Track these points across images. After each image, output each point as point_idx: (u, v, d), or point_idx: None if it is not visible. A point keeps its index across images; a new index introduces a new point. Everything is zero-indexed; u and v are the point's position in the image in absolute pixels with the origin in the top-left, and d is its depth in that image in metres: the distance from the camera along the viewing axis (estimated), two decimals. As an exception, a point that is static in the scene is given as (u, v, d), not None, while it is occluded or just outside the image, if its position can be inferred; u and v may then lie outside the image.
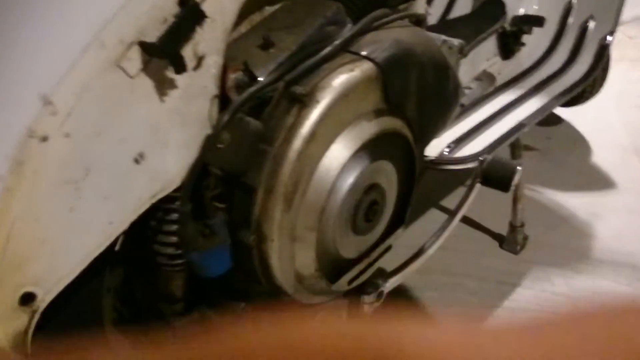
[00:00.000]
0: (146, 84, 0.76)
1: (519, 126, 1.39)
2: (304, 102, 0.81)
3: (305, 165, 0.81)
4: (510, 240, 1.64)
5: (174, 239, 0.88)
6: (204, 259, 0.83)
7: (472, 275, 1.56)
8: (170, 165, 0.81)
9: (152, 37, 0.74)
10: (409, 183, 1.01)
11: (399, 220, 1.02)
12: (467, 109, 1.44)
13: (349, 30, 0.91)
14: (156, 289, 0.95)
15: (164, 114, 0.79)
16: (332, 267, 0.92)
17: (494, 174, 1.12)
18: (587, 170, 2.01)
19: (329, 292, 0.94)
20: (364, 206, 0.91)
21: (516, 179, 1.11)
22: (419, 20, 1.04)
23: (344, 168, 0.85)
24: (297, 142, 0.80)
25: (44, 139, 0.68)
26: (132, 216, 0.80)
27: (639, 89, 2.48)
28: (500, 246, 1.66)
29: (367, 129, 0.87)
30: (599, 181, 1.95)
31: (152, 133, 0.79)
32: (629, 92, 2.43)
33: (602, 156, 2.07)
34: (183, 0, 0.76)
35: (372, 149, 0.89)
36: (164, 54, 0.75)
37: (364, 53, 0.88)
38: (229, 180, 0.82)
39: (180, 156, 0.82)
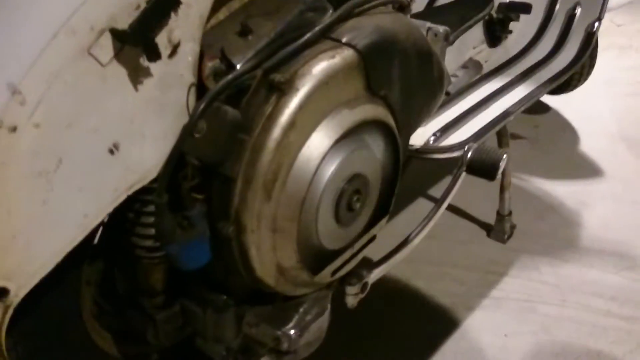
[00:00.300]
0: (119, 72, 0.74)
1: (506, 114, 1.38)
2: (283, 90, 0.78)
3: (284, 155, 0.79)
4: (498, 229, 1.63)
5: (152, 231, 0.86)
6: (183, 251, 0.81)
7: (459, 264, 1.55)
8: (146, 156, 0.79)
9: (124, 23, 0.72)
10: (394, 172, 0.99)
11: (384, 210, 1.01)
12: (453, 97, 1.42)
13: (329, 16, 0.89)
14: (136, 282, 0.93)
15: (139, 104, 0.77)
16: (315, 258, 0.90)
17: (480, 162, 1.11)
18: (575, 159, 2.00)
19: (311, 284, 0.92)
20: (347, 196, 0.89)
21: (502, 167, 1.10)
22: (402, 7, 1.02)
23: (325, 157, 0.83)
24: (276, 131, 0.77)
25: (13, 129, 0.66)
26: (108, 208, 0.78)
27: (627, 76, 2.47)
28: (488, 235, 1.65)
29: (349, 117, 0.85)
30: (586, 169, 1.95)
31: (127, 123, 0.77)
32: (617, 80, 2.43)
33: (590, 144, 2.07)
34: (157, -16, 0.74)
35: (354, 137, 0.87)
36: (136, 41, 0.73)
37: (344, 40, 0.86)
38: (207, 171, 0.80)
39: (156, 146, 0.80)
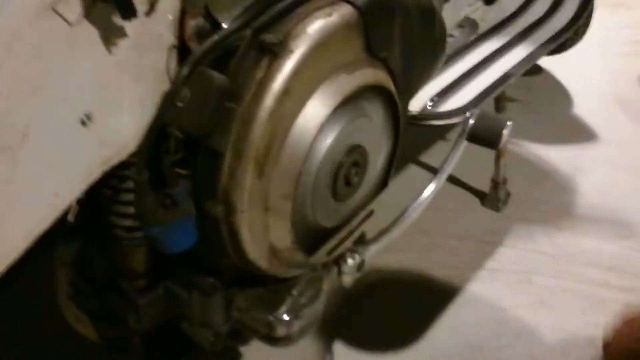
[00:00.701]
0: (89, 32, 0.65)
1: (506, 77, 1.30)
2: (275, 52, 0.70)
3: (278, 126, 0.71)
4: (492, 197, 1.57)
5: (131, 209, 0.79)
6: (166, 233, 0.73)
7: (452, 234, 1.49)
8: (123, 126, 0.71)
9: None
10: (393, 141, 0.92)
11: (382, 182, 0.94)
12: (450, 59, 1.34)
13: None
14: (115, 264, 0.86)
15: (113, 68, 0.69)
16: (310, 237, 0.83)
17: (482, 129, 1.04)
18: (569, 122, 1.94)
19: (306, 265, 0.85)
20: (345, 169, 0.81)
21: (506, 135, 1.03)
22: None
23: (323, 128, 0.75)
24: (269, 99, 0.69)
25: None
26: (81, 186, 0.70)
27: (620, 35, 2.40)
28: (482, 203, 1.59)
29: (347, 82, 0.77)
30: (581, 133, 1.89)
31: (100, 90, 0.69)
32: (609, 39, 2.36)
33: (584, 107, 2.00)
34: None
35: (353, 105, 0.80)
36: (109, -1, 0.64)
37: (343, -4, 0.77)
38: (192, 144, 0.72)
39: (134, 116, 0.72)
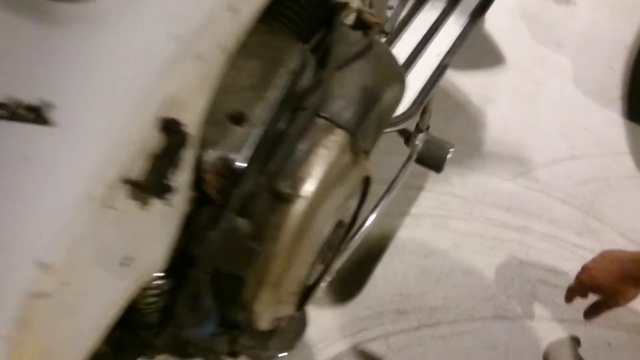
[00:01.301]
0: (133, 207, 0.74)
1: (442, 68, 1.41)
2: (289, 200, 0.82)
3: (293, 257, 0.85)
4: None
5: (155, 296, 0.92)
6: (195, 329, 0.90)
7: (383, 180, 1.68)
8: (155, 256, 0.83)
9: (138, 171, 0.71)
10: (363, 194, 1.08)
11: (351, 223, 1.11)
12: (392, 39, 1.42)
13: (315, 83, 0.87)
14: (132, 320, 1.01)
15: (149, 221, 0.79)
16: (301, 297, 1.01)
17: (429, 154, 1.21)
18: (480, 41, 2.09)
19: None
20: (330, 242, 0.98)
21: (448, 159, 1.21)
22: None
23: (323, 235, 0.90)
24: (286, 240, 0.83)
25: (44, 295, 0.68)
26: (120, 306, 0.83)
27: None
28: (406, 143, 1.77)
29: (341, 193, 0.90)
30: (490, 56, 2.05)
31: (138, 238, 0.79)
32: None
33: (493, 22, 2.14)
34: (168, 126, 0.71)
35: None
36: (153, 191, 0.72)
37: (334, 118, 0.87)
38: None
39: (163, 245, 0.84)
